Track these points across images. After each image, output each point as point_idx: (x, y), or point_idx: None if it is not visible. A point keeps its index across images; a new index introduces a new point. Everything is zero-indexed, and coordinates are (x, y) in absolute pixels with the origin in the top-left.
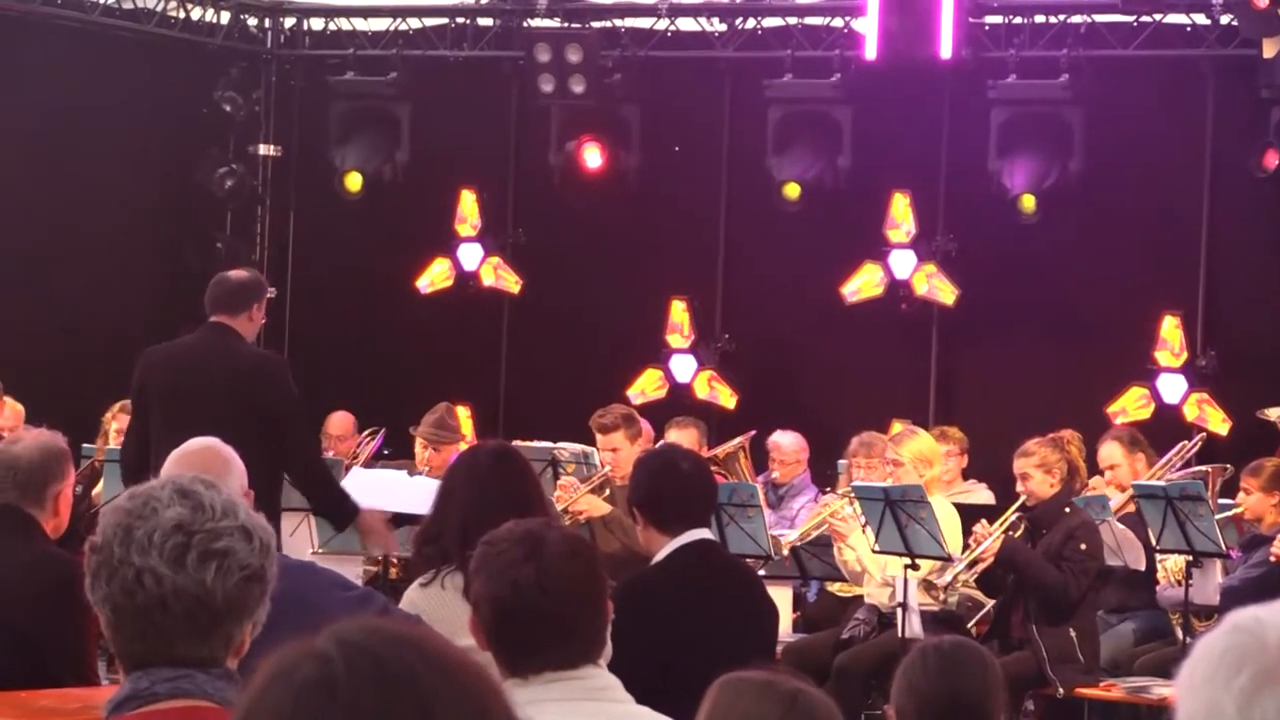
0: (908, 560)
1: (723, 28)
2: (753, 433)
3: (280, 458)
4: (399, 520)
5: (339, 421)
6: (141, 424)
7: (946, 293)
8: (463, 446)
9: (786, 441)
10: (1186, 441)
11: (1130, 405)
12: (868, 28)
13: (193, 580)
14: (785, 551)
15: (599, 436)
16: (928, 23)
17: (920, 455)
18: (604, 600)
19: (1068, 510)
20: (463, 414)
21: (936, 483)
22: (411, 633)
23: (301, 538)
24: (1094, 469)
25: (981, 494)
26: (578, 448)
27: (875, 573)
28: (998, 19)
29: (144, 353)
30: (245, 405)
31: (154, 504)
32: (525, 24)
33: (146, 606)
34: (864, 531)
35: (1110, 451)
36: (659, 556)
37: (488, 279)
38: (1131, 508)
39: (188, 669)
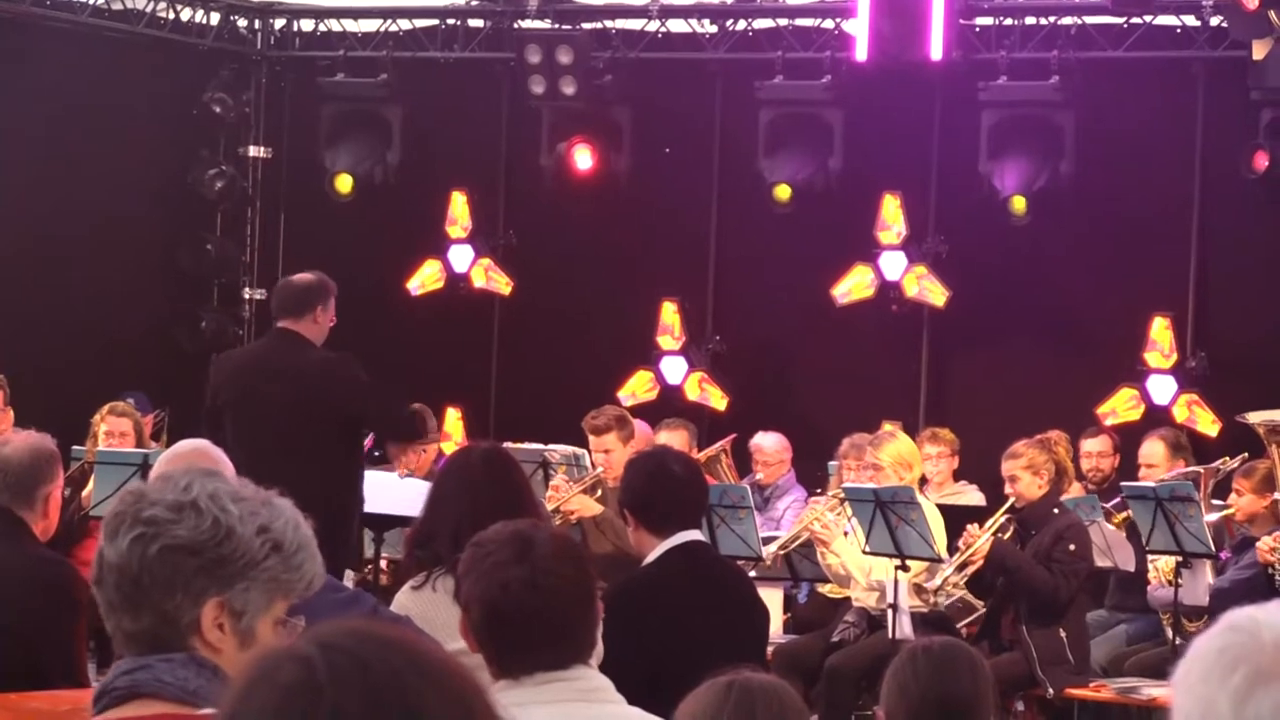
0: (898, 562)
1: (713, 29)
2: (733, 436)
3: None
4: (391, 522)
5: None
6: (215, 429)
7: (937, 294)
8: (447, 447)
9: (769, 443)
10: (1228, 457)
11: (1120, 406)
12: (858, 29)
13: (116, 551)
14: (768, 561)
15: (591, 438)
16: (918, 24)
17: (899, 458)
18: (594, 600)
19: (1056, 511)
20: (453, 416)
21: (914, 485)
22: (395, 634)
23: None
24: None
25: (972, 495)
26: (569, 449)
27: (860, 578)
28: (988, 21)
29: (216, 358)
30: (318, 410)
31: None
32: (516, 25)
33: (98, 581)
34: (846, 537)
35: (1153, 449)
36: (650, 558)
37: (479, 281)
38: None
39: (146, 657)
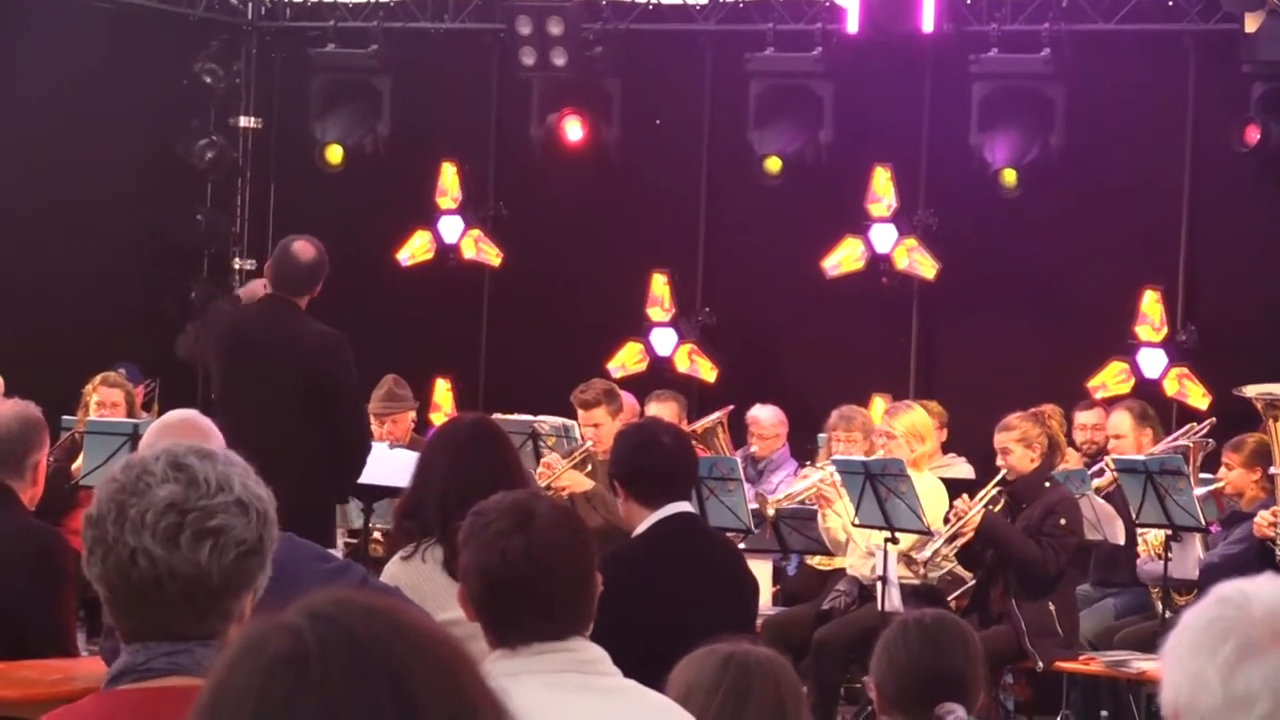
0: (888, 534)
1: (704, 1)
2: (731, 407)
3: (331, 432)
4: (380, 493)
5: None
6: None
7: (927, 267)
8: (436, 418)
9: (765, 415)
10: (1195, 424)
11: (1110, 380)
12: (849, 1)
13: (187, 560)
14: (772, 511)
15: (580, 412)
16: None
17: (913, 429)
18: (592, 572)
19: (1047, 485)
20: (443, 387)
21: (925, 458)
22: (384, 605)
23: None
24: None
25: (961, 468)
26: (558, 421)
27: (860, 541)
28: None
29: (210, 308)
30: (308, 381)
31: (147, 479)
32: None
33: (142, 586)
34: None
35: (1119, 421)
36: (639, 529)
37: (468, 252)
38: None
39: (186, 643)
